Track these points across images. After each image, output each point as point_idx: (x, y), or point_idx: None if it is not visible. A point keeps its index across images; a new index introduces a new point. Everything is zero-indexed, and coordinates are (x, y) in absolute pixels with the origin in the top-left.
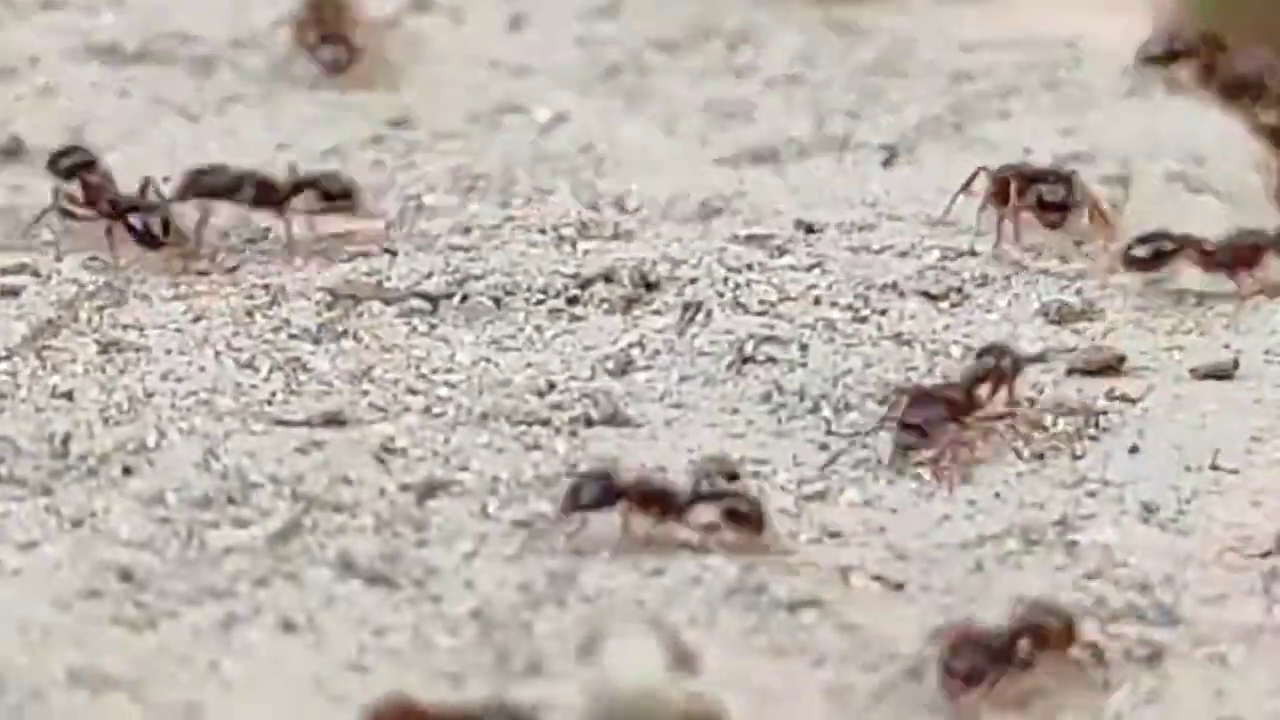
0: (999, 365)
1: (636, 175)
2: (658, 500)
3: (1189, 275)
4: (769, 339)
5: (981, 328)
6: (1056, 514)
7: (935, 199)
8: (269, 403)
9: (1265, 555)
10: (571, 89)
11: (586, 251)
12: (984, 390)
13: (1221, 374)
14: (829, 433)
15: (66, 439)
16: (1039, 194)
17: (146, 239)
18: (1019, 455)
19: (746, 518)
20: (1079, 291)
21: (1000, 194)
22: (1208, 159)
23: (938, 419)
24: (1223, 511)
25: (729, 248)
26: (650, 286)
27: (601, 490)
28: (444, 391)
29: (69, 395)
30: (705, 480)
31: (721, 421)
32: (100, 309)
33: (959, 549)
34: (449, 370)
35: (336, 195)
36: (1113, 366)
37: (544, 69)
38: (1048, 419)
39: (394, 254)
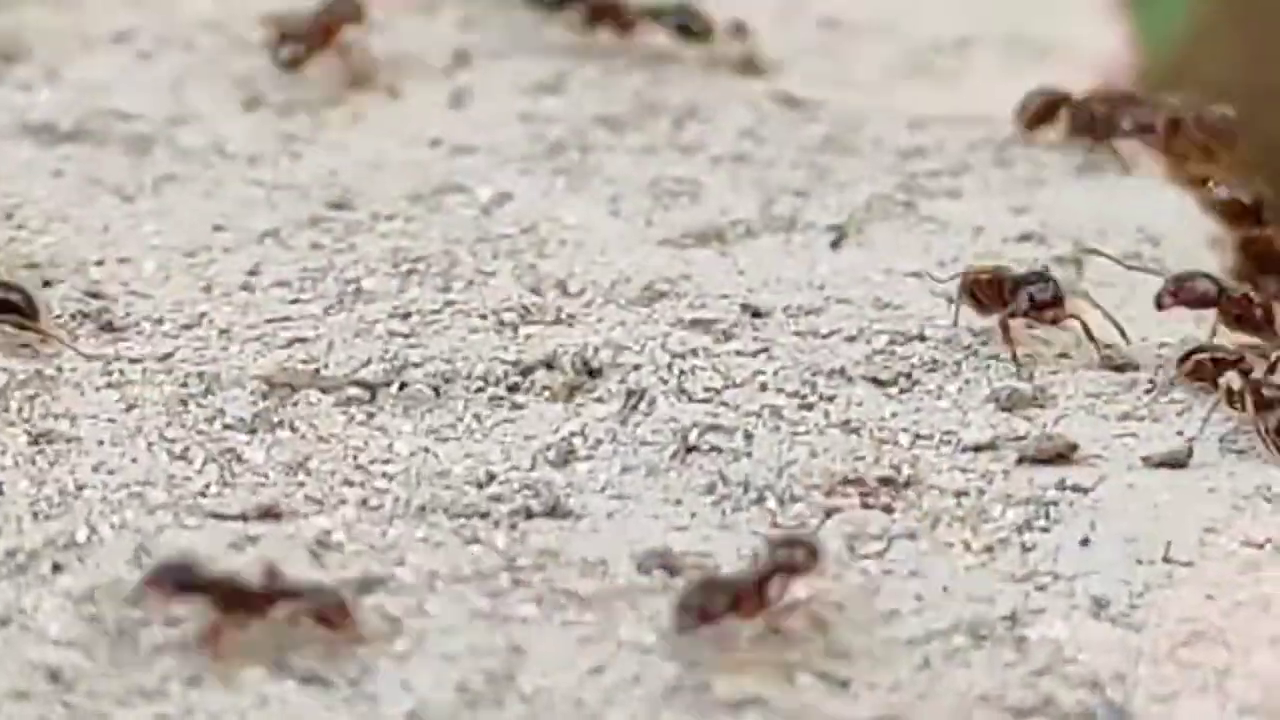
0: (793, 559)
1: (580, 257)
2: (238, 597)
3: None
4: (713, 428)
5: (930, 415)
6: (1005, 609)
7: (884, 281)
8: (202, 495)
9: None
10: (514, 167)
11: (528, 336)
12: (776, 586)
13: (1175, 463)
14: (774, 525)
15: None
16: (1030, 295)
17: None
18: (968, 547)
19: (329, 617)
20: (1030, 377)
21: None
22: (1163, 237)
23: (720, 610)
24: (1175, 606)
25: (673, 333)
26: (593, 373)
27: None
28: (381, 483)
29: None
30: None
31: (664, 513)
32: (31, 398)
33: (905, 645)
34: (387, 461)
35: None
36: (1064, 455)
37: (486, 147)
38: (997, 510)
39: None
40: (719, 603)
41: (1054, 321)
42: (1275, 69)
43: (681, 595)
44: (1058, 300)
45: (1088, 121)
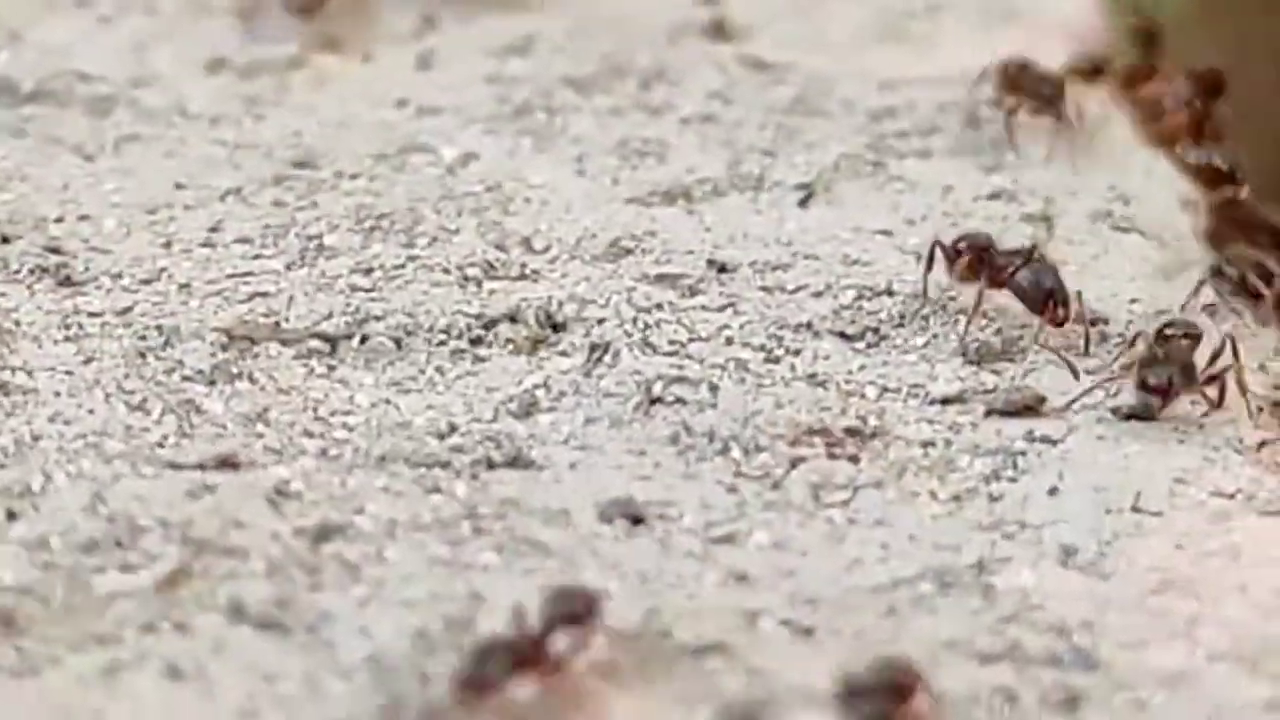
0: (575, 610)
1: (545, 214)
2: None
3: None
4: (678, 380)
5: (898, 368)
6: (972, 557)
7: (853, 238)
8: (160, 445)
9: None
10: (480, 128)
11: (492, 292)
12: (560, 641)
13: (1145, 415)
14: (738, 474)
15: None
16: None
17: None
18: (934, 497)
19: None
20: (998, 331)
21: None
22: (1134, 197)
23: (499, 673)
24: (1144, 555)
25: (639, 287)
26: (556, 327)
27: None
28: (341, 434)
29: None
30: None
31: (628, 464)
32: None
33: (871, 593)
34: (347, 412)
35: None
36: (1032, 407)
37: (452, 108)
38: (964, 460)
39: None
40: (498, 669)
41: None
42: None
43: (458, 668)
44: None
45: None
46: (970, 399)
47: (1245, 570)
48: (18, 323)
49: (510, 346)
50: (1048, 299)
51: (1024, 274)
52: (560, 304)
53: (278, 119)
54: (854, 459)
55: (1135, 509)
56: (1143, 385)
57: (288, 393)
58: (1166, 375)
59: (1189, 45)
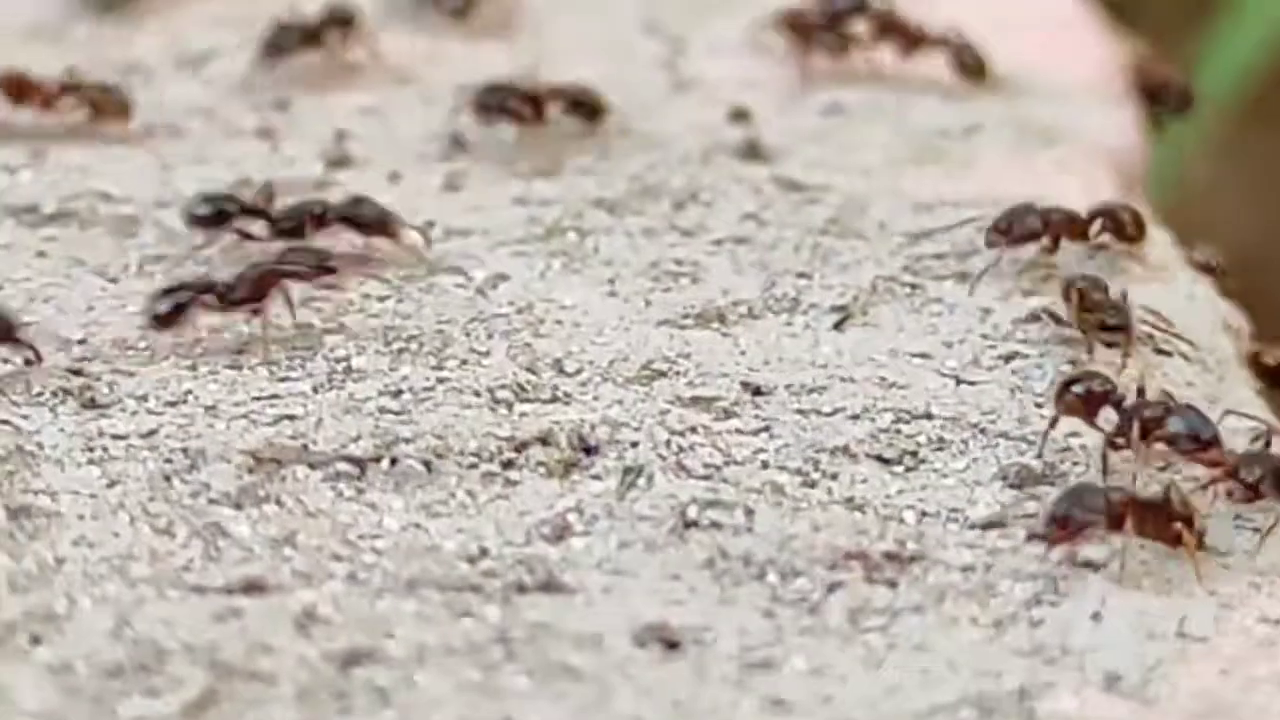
0: None
1: (576, 336)
2: None
3: None
4: (713, 503)
5: (937, 492)
6: (1014, 683)
7: (889, 361)
8: (186, 569)
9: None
10: (509, 249)
11: (523, 414)
12: None
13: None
14: (775, 599)
15: None
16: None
17: None
18: (975, 622)
19: None
20: (1039, 454)
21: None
22: (1176, 322)
23: None
24: (1189, 681)
25: (672, 410)
26: (589, 450)
27: None
28: (370, 558)
29: None
30: None
31: (662, 588)
32: (10, 474)
33: (910, 719)
34: (376, 536)
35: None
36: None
37: (481, 229)
38: (1005, 585)
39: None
40: None
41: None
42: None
43: None
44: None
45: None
46: (1011, 523)
47: None
48: (41, 445)
49: (542, 470)
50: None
51: (1177, 420)
52: (593, 427)
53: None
54: (893, 583)
55: (1180, 634)
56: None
57: (316, 516)
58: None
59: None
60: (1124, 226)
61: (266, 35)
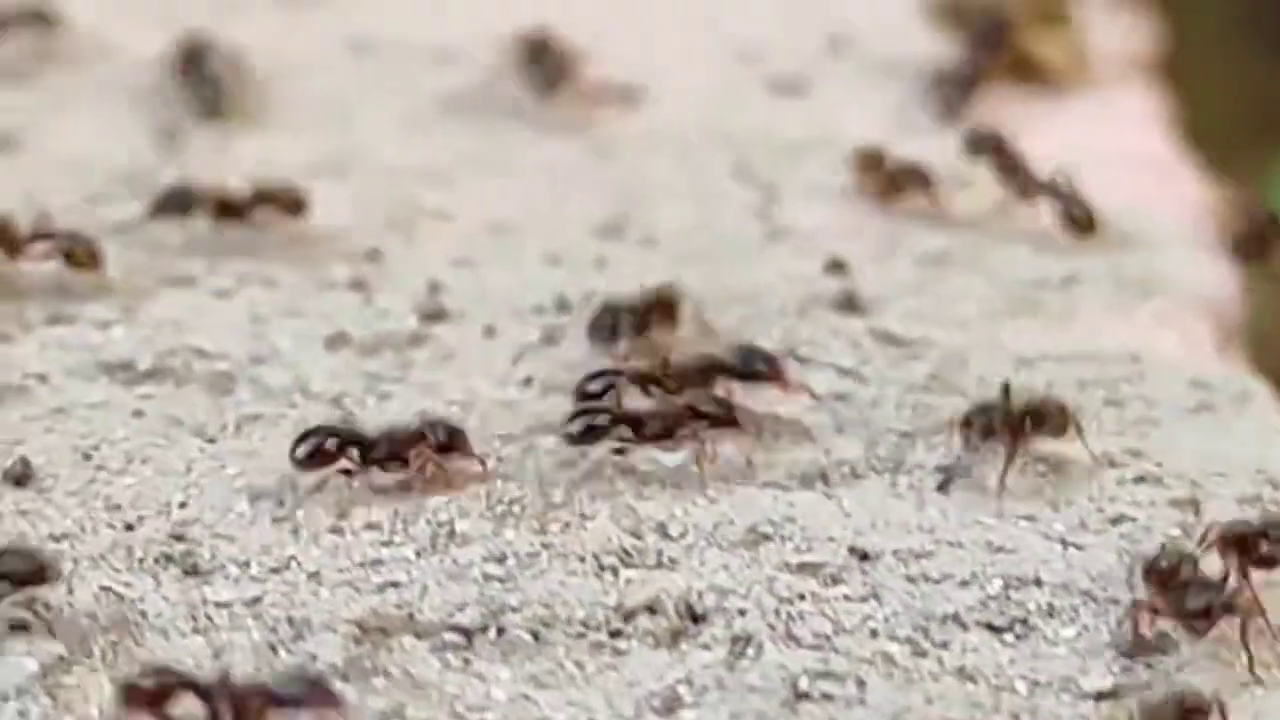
0: None
1: (679, 498)
2: None
3: None
4: (824, 674)
5: (1049, 662)
6: None
7: (996, 524)
8: None
9: None
10: None
11: (629, 581)
12: None
13: None
14: None
15: None
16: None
17: None
18: None
19: None
20: (1152, 623)
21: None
22: None
23: None
24: None
25: (779, 576)
26: (697, 618)
27: None
28: None
29: None
30: None
31: None
32: (114, 644)
33: None
34: (484, 708)
35: None
36: (1199, 709)
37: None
38: None
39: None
40: None
41: None
42: None
43: None
44: None
45: None
46: (1125, 694)
47: None
48: (144, 614)
49: (650, 639)
50: None
51: None
52: (700, 594)
53: (402, 398)
54: None
55: None
56: None
57: (423, 688)
58: None
59: None
60: None
61: None
